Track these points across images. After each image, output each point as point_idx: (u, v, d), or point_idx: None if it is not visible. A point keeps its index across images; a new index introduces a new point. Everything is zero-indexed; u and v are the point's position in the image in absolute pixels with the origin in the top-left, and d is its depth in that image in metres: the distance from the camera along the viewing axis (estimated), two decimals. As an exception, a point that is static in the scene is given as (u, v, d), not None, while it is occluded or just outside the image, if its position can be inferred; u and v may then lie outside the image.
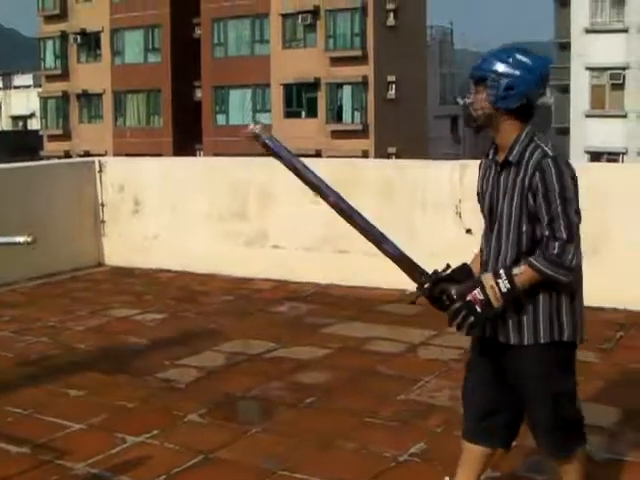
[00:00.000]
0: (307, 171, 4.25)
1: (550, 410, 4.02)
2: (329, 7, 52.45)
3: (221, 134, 54.04)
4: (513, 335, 3.97)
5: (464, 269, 4.11)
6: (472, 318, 3.85)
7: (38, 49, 64.90)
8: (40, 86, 70.37)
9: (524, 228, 3.91)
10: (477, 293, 3.84)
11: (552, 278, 3.83)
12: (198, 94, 57.56)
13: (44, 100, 65.09)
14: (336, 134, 52.37)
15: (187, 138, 55.88)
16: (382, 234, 4.18)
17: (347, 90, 53.05)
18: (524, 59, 3.88)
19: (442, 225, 9.58)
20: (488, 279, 3.86)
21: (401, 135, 50.67)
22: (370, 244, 4.18)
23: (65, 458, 5.45)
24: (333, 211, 4.27)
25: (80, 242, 11.72)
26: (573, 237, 3.80)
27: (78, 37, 61.20)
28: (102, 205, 11.98)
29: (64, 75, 62.54)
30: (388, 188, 9.93)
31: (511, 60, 3.88)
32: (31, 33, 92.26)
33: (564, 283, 3.87)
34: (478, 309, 3.84)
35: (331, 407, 6.27)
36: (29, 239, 7.28)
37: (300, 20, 53.30)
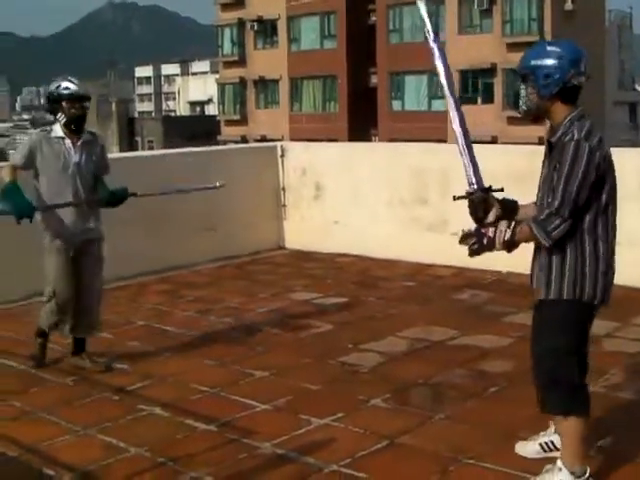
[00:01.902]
0: (450, 83, 4.79)
1: (540, 365, 4.66)
2: (506, -8, 51.74)
3: (397, 120, 53.98)
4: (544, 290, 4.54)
5: (513, 203, 4.75)
6: (476, 246, 4.50)
7: (215, 36, 66.07)
8: (217, 72, 71.77)
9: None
10: (491, 231, 4.46)
11: (537, 238, 4.38)
12: (373, 80, 57.61)
13: (222, 86, 66.29)
14: (512, 120, 51.61)
15: (362, 124, 56.00)
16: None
17: (524, 76, 52.24)
18: (552, 48, 4.54)
19: (625, 214, 9.29)
20: (502, 225, 4.45)
21: (579, 122, 49.44)
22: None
23: (251, 437, 5.55)
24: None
25: (261, 225, 11.91)
26: (560, 212, 4.31)
27: (255, 24, 62.04)
28: (283, 189, 12.14)
29: (241, 62, 63.52)
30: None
31: (542, 53, 4.52)
32: (207, 21, 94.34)
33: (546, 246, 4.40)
34: (484, 242, 4.47)
35: (515, 397, 6.15)
36: (222, 182, 7.73)
37: (476, 5, 52.69)
